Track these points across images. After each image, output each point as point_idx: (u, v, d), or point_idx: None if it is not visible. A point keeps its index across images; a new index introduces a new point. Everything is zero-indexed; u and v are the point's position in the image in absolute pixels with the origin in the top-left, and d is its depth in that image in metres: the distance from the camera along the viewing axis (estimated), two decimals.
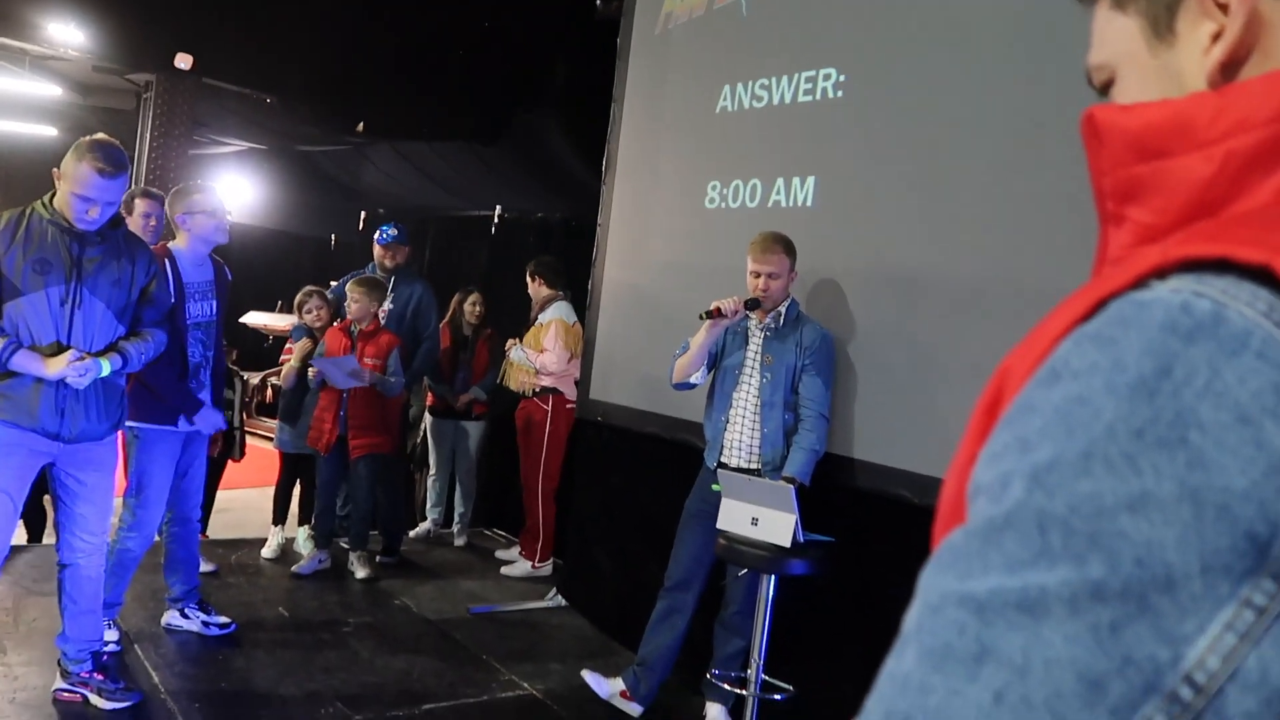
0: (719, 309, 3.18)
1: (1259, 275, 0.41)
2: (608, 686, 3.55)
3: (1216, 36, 0.53)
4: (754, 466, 3.25)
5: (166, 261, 3.57)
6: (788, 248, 3.24)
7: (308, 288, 5.06)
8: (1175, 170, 0.51)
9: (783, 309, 3.28)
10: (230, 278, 3.89)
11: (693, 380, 3.39)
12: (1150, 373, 0.40)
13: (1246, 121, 0.49)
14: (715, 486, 3.18)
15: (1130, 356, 0.41)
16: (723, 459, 3.33)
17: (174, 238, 3.76)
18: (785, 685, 3.12)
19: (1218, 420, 0.39)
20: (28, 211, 2.92)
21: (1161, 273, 0.44)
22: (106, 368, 2.96)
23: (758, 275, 3.21)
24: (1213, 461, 0.38)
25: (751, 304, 3.24)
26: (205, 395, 3.67)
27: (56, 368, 2.87)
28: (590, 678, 3.59)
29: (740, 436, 3.29)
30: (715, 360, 3.39)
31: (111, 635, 3.62)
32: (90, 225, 2.92)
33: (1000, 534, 0.41)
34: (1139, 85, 0.57)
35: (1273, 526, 0.38)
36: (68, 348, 2.90)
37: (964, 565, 0.42)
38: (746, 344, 3.32)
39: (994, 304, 2.79)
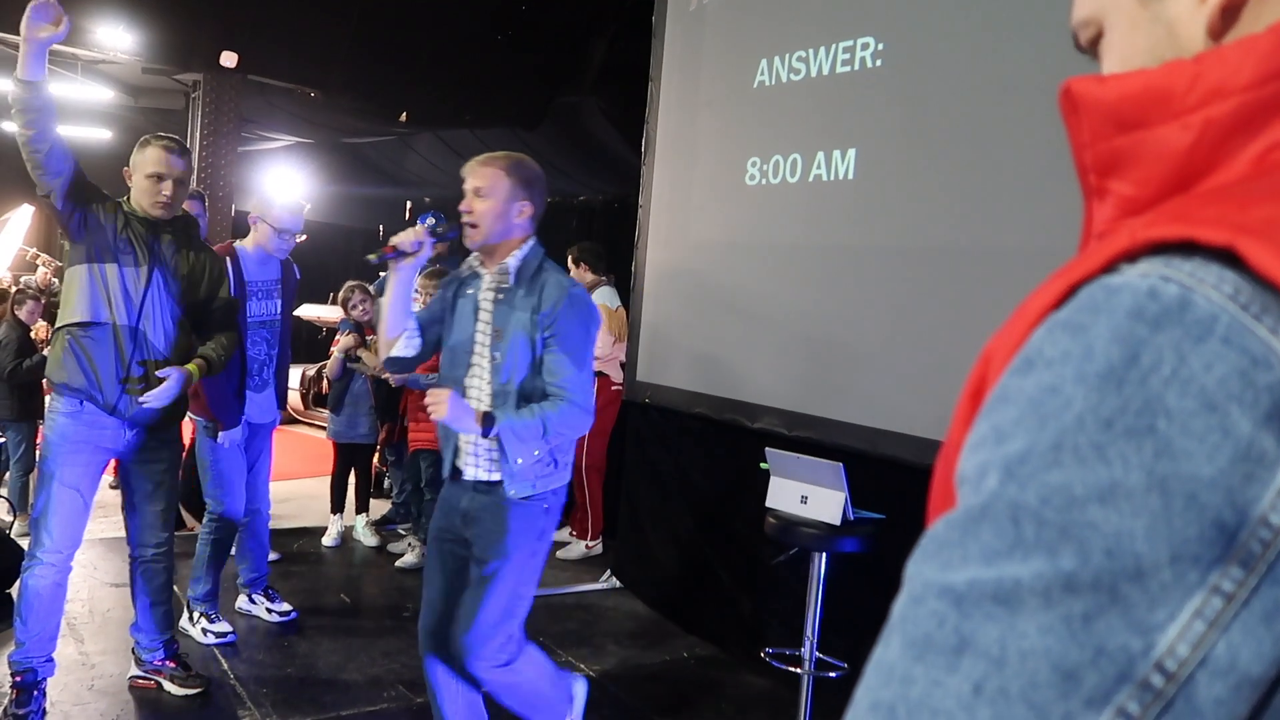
0: (394, 246, 2.46)
1: (1225, 256, 0.41)
2: None
3: None
4: (495, 479, 2.45)
5: (228, 260, 3.67)
6: (514, 168, 2.45)
7: (350, 283, 5.14)
8: (1155, 141, 0.50)
9: (512, 260, 2.44)
10: (299, 277, 3.99)
11: (400, 352, 2.56)
12: (1118, 361, 0.40)
13: (1224, 88, 0.47)
14: (763, 465, 3.16)
15: (1099, 344, 0.41)
16: (459, 464, 2.50)
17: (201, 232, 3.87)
18: (839, 663, 3.12)
19: (1184, 408, 0.39)
20: (108, 203, 3.06)
21: (1131, 256, 0.43)
22: (196, 373, 3.09)
23: (467, 193, 2.45)
24: (1180, 450, 0.38)
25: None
26: (270, 392, 3.84)
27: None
28: None
29: (476, 440, 2.44)
30: (441, 339, 2.59)
31: (221, 627, 3.77)
32: (164, 211, 3.04)
33: (977, 525, 0.41)
34: (1128, 38, 0.54)
35: (1240, 514, 0.38)
36: (136, 378, 3.00)
37: (945, 556, 0.42)
38: (477, 315, 2.50)
39: (1040, 275, 2.71)
